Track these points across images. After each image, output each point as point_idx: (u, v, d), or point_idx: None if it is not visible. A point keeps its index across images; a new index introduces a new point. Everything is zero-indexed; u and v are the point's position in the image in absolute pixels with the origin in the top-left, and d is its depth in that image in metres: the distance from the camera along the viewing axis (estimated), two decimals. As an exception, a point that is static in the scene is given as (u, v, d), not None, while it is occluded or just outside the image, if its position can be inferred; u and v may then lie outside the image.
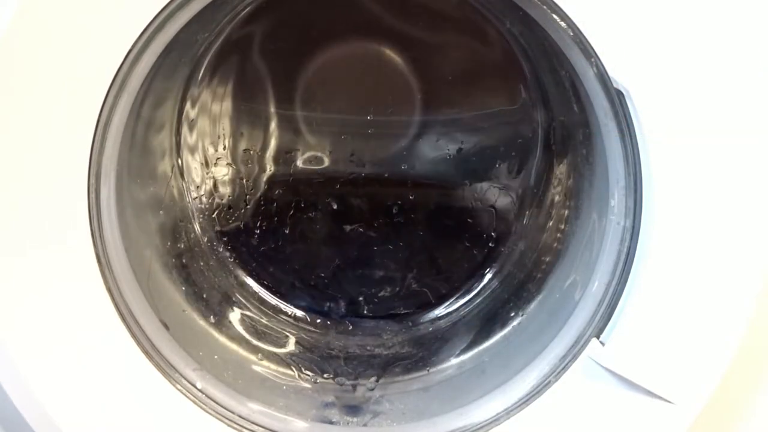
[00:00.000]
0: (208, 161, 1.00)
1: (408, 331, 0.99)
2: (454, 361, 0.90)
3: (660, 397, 0.67)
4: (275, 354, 0.90)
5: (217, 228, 1.01)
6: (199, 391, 0.73)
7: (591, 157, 0.81)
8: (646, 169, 0.64)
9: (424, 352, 0.94)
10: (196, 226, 0.99)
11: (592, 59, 0.64)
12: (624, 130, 0.66)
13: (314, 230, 1.02)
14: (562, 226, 0.90)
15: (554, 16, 0.63)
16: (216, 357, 0.82)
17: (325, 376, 0.88)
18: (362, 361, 0.93)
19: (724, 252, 0.64)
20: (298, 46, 0.98)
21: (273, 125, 1.00)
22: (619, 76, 0.63)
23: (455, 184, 1.02)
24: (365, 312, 1.02)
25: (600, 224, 0.76)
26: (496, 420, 0.72)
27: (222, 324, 0.90)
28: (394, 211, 1.02)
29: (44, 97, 0.61)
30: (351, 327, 1.00)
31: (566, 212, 0.90)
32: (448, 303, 1.01)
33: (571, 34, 0.63)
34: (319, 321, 1.00)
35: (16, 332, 0.64)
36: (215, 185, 1.01)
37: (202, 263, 0.97)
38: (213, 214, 1.01)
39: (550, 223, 0.95)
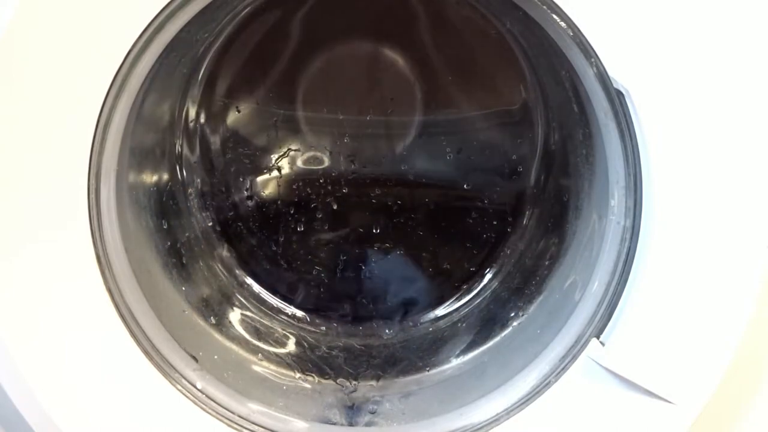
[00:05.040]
0: (208, 161, 1.00)
1: (408, 331, 1.00)
2: (454, 361, 0.90)
3: (660, 397, 0.67)
4: (275, 354, 0.90)
5: (217, 228, 1.01)
6: (199, 391, 0.73)
7: (591, 157, 0.81)
8: (646, 169, 0.64)
9: (424, 352, 0.94)
10: (196, 226, 0.99)
11: (592, 59, 0.64)
12: (624, 130, 0.66)
13: (314, 230, 1.02)
14: (562, 226, 0.90)
15: (554, 16, 0.63)
16: (216, 357, 0.82)
17: (326, 376, 0.88)
18: (362, 362, 0.93)
19: (724, 252, 0.64)
20: (298, 46, 0.98)
21: (273, 125, 1.00)
22: (619, 76, 0.63)
23: (455, 184, 1.02)
24: (365, 312, 1.02)
25: (600, 224, 0.76)
26: (496, 420, 0.72)
27: (222, 324, 0.90)
28: (394, 211, 1.02)
29: (44, 97, 0.61)
30: (351, 327, 1.00)
31: (566, 212, 0.90)
32: (448, 303, 1.01)
33: (571, 34, 0.63)
34: (319, 321, 1.00)
35: (16, 332, 0.64)
36: (215, 185, 1.01)
37: (202, 263, 0.97)
38: (213, 214, 1.01)
39: (550, 223, 0.95)
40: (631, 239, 0.68)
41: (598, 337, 0.70)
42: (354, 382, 0.87)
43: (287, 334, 0.97)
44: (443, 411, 0.77)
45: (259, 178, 1.02)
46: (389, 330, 1.00)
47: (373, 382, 0.87)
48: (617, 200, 0.70)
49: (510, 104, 1.00)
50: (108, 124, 0.65)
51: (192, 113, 0.98)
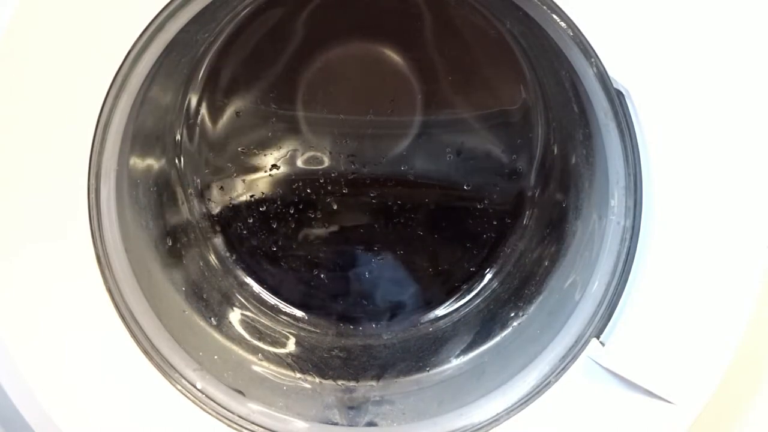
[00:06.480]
0: (208, 161, 1.00)
1: (408, 331, 1.00)
2: (454, 361, 0.90)
3: (660, 397, 0.67)
4: (275, 354, 0.90)
5: (217, 228, 1.01)
6: (199, 391, 0.73)
7: (591, 157, 0.81)
8: (646, 169, 0.64)
9: (424, 353, 0.94)
10: (196, 227, 0.99)
11: (592, 59, 0.64)
12: (624, 130, 0.66)
13: (314, 230, 1.02)
14: (562, 226, 0.90)
15: (554, 16, 0.63)
16: (216, 357, 0.82)
17: (326, 376, 0.88)
18: (362, 362, 0.93)
19: (724, 252, 0.64)
20: (298, 46, 0.98)
21: (273, 125, 1.00)
22: (619, 76, 0.63)
23: (455, 185, 1.02)
24: (365, 312, 1.02)
25: (600, 224, 0.76)
26: (497, 420, 0.72)
27: (222, 324, 0.90)
28: (394, 211, 1.02)
29: (44, 97, 0.61)
30: (351, 327, 1.00)
31: (566, 212, 0.90)
32: (448, 303, 1.01)
33: (571, 34, 0.63)
34: (319, 321, 1.00)
35: (16, 332, 0.64)
36: (215, 185, 1.01)
37: (202, 263, 0.97)
38: (213, 214, 1.01)
39: (550, 223, 0.95)
40: (631, 239, 0.68)
41: (598, 337, 0.70)
42: (354, 383, 0.87)
43: (287, 334, 0.97)
44: (443, 411, 0.77)
45: (260, 178, 1.02)
46: (389, 330, 1.00)
47: (373, 383, 0.87)
48: (617, 200, 0.70)
49: (510, 104, 1.00)
50: (108, 124, 0.65)
51: (192, 113, 0.98)
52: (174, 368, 0.72)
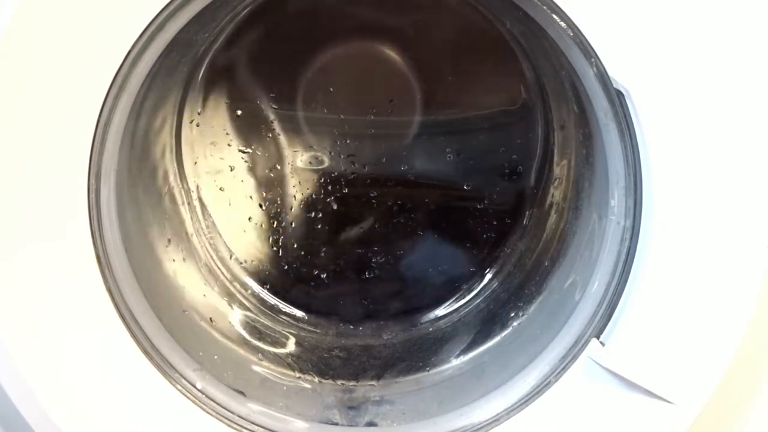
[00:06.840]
0: (208, 161, 1.00)
1: (408, 331, 1.00)
2: (454, 361, 0.90)
3: (660, 397, 0.67)
4: (275, 354, 0.90)
5: (217, 228, 1.01)
6: (199, 391, 0.73)
7: (591, 157, 0.81)
8: (646, 169, 0.64)
9: (424, 353, 0.94)
10: (196, 226, 0.99)
11: (592, 59, 0.64)
12: (624, 130, 0.66)
13: (314, 230, 1.02)
14: (562, 226, 0.90)
15: (554, 16, 0.63)
16: (216, 357, 0.82)
17: (326, 376, 0.87)
18: (362, 362, 0.93)
19: (724, 252, 0.64)
20: (298, 46, 0.98)
21: (273, 125, 1.00)
22: (619, 76, 0.63)
23: (455, 185, 1.02)
24: (365, 312, 1.02)
25: (600, 224, 0.76)
26: (497, 420, 0.72)
27: (222, 324, 0.90)
28: (394, 211, 1.02)
29: (44, 97, 0.61)
30: (351, 327, 1.00)
31: (566, 212, 0.90)
32: (448, 303, 1.01)
33: (571, 34, 0.63)
34: (319, 321, 1.00)
35: (16, 332, 0.64)
36: (215, 185, 1.01)
37: (202, 264, 0.97)
38: (212, 214, 1.01)
39: (550, 223, 0.95)
40: (631, 239, 0.68)
41: (598, 337, 0.70)
42: (354, 383, 0.87)
43: (287, 334, 0.97)
44: (443, 411, 0.77)
45: (259, 179, 1.02)
46: (389, 330, 1.00)
47: (373, 382, 0.87)
48: (617, 200, 0.70)
49: (510, 104, 1.00)
50: (108, 124, 0.65)
51: (192, 114, 0.98)
52: (174, 368, 0.72)
